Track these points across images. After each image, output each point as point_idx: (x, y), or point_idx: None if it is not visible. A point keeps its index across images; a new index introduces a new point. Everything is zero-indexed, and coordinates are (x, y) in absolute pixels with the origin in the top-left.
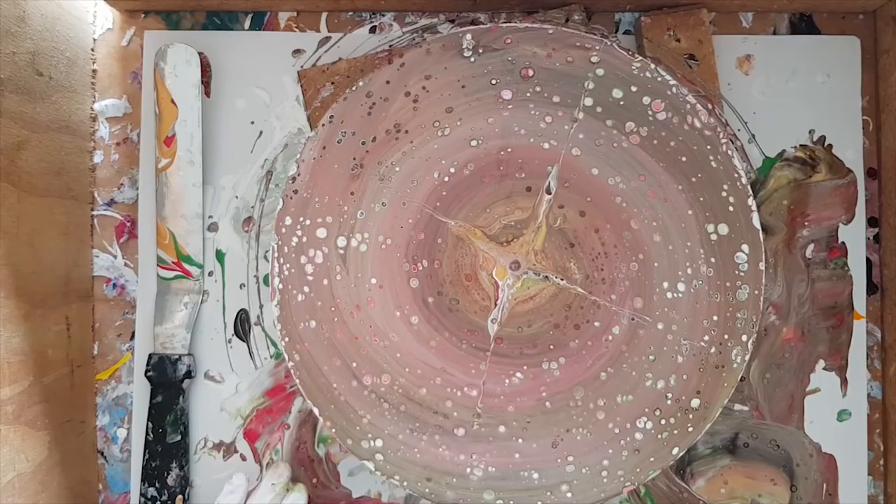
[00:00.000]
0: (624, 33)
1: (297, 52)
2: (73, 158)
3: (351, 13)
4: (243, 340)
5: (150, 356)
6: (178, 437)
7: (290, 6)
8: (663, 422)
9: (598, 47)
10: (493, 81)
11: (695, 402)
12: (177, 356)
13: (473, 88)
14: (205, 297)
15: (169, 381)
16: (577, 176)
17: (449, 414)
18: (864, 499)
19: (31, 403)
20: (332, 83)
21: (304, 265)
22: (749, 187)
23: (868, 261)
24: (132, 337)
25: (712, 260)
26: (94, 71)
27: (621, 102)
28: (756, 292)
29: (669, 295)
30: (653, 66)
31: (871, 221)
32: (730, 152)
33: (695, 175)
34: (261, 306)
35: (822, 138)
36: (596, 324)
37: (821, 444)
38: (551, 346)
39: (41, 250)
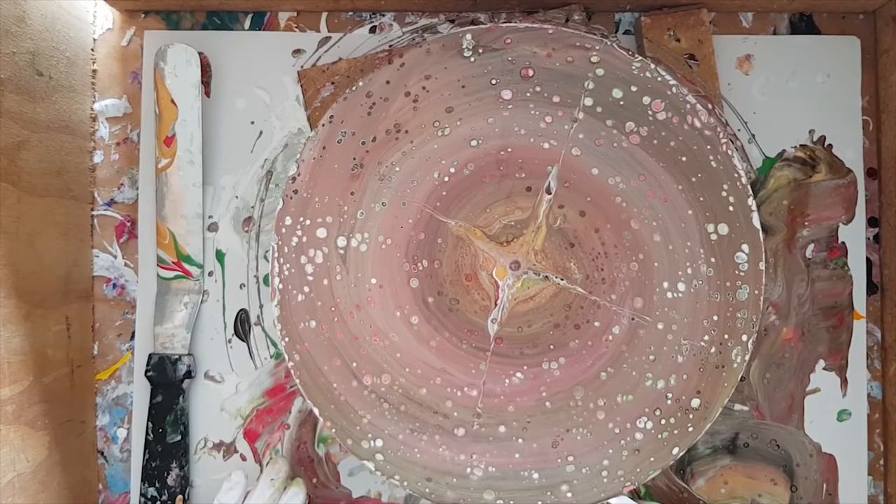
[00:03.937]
0: (624, 33)
1: (297, 52)
2: (73, 158)
3: (351, 13)
4: (243, 340)
5: (150, 356)
6: (178, 437)
7: (290, 6)
8: (663, 422)
9: (598, 47)
10: (493, 81)
11: (695, 402)
12: (177, 356)
13: (473, 88)
14: (205, 297)
15: (169, 381)
16: (577, 176)
17: (449, 414)
18: (864, 499)
19: (31, 403)
20: (332, 83)
21: (304, 265)
22: (749, 187)
23: (868, 261)
24: (132, 337)
25: (712, 260)
26: (94, 71)
27: (621, 102)
28: (756, 292)
29: (669, 295)
30: (653, 66)
31: (871, 221)
32: (730, 152)
33: (695, 175)
34: (261, 306)
35: (822, 138)
36: (596, 324)
37: (821, 444)
38: (551, 346)
39: (41, 250)
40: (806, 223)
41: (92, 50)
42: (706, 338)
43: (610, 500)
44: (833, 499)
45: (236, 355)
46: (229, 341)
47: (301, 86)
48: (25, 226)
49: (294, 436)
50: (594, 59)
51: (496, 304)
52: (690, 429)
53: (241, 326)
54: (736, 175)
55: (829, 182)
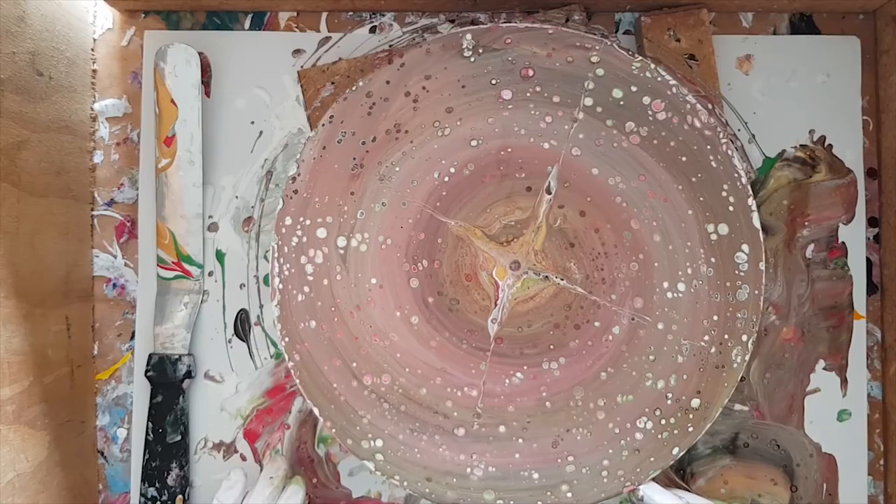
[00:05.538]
0: (624, 33)
1: (297, 52)
2: (73, 158)
3: (351, 13)
4: (243, 340)
5: (150, 356)
6: (178, 437)
7: (290, 6)
8: (663, 422)
9: (598, 47)
10: (493, 81)
11: (695, 402)
12: (177, 356)
13: (473, 88)
14: (205, 297)
15: (169, 381)
16: (577, 176)
17: (449, 414)
18: (864, 499)
19: (31, 403)
20: (332, 83)
21: (304, 265)
22: (749, 187)
23: (868, 261)
24: (132, 337)
25: (712, 260)
26: (94, 71)
27: (621, 102)
28: (756, 292)
29: (669, 295)
30: (653, 66)
31: (871, 221)
32: (730, 152)
33: (695, 175)
34: (261, 306)
35: (822, 138)
36: (596, 324)
37: (821, 444)
38: (551, 346)
39: (41, 250)
40: (806, 223)
41: (92, 50)
42: (706, 338)
43: (640, 487)
44: (833, 499)
45: (236, 355)
46: (229, 341)
47: (301, 86)
48: (25, 226)
49: (294, 436)
50: (594, 59)
51: (496, 304)
52: (690, 429)
53: (241, 326)
54: (736, 175)
55: (829, 182)
